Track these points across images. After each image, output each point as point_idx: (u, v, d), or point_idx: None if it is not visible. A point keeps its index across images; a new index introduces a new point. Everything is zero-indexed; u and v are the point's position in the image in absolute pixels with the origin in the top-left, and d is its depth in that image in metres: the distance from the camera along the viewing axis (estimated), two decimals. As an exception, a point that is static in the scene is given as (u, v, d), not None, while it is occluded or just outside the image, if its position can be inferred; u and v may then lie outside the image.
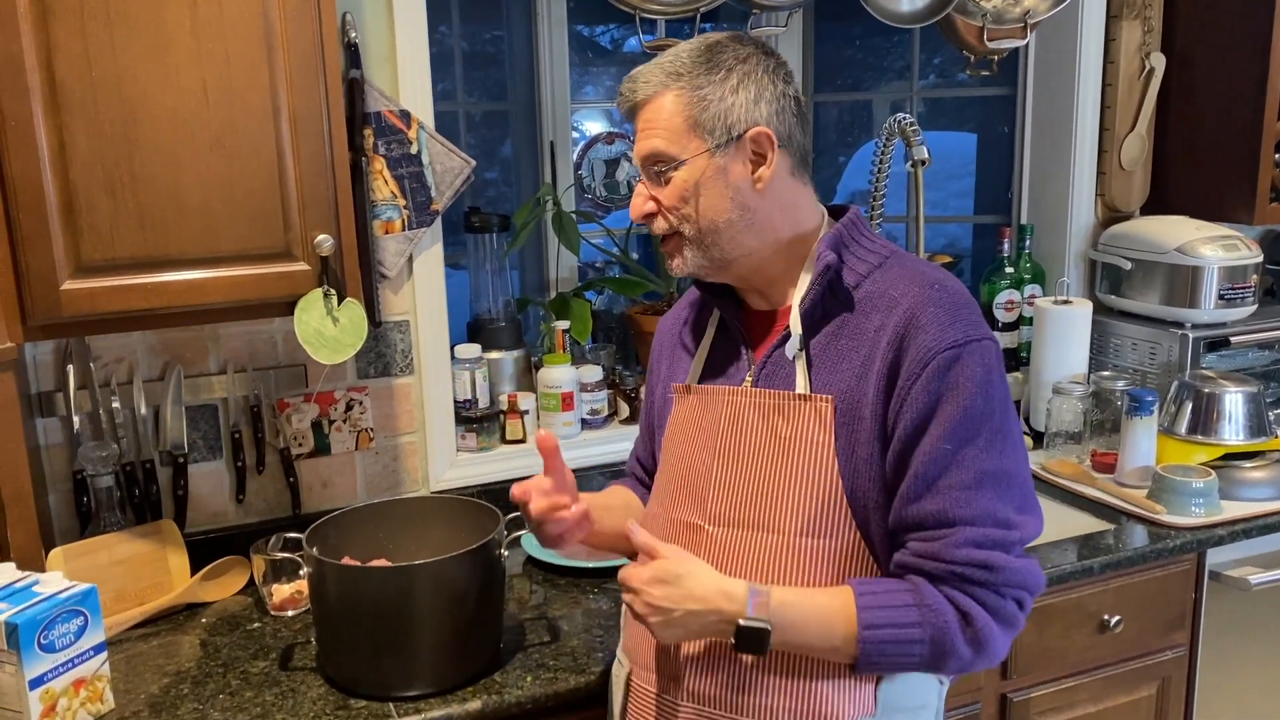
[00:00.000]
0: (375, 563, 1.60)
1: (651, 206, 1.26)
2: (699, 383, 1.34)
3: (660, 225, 1.27)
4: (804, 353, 1.24)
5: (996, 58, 2.26)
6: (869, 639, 1.14)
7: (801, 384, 1.23)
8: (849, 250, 1.26)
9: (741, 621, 1.13)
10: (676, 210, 1.24)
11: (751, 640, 1.13)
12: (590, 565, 1.81)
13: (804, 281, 1.26)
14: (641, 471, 1.55)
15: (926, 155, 1.96)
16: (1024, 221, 2.60)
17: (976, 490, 1.14)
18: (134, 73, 1.42)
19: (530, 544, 1.92)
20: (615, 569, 1.72)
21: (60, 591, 1.37)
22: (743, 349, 1.32)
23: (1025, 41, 2.19)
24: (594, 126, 3.12)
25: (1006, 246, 2.49)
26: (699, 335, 1.39)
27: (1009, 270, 2.50)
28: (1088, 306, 2.35)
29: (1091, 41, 2.41)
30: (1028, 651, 1.83)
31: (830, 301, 1.24)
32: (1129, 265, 2.39)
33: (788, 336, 1.25)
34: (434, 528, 1.61)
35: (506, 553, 1.53)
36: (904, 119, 2.01)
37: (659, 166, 1.23)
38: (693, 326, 1.41)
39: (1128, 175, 2.50)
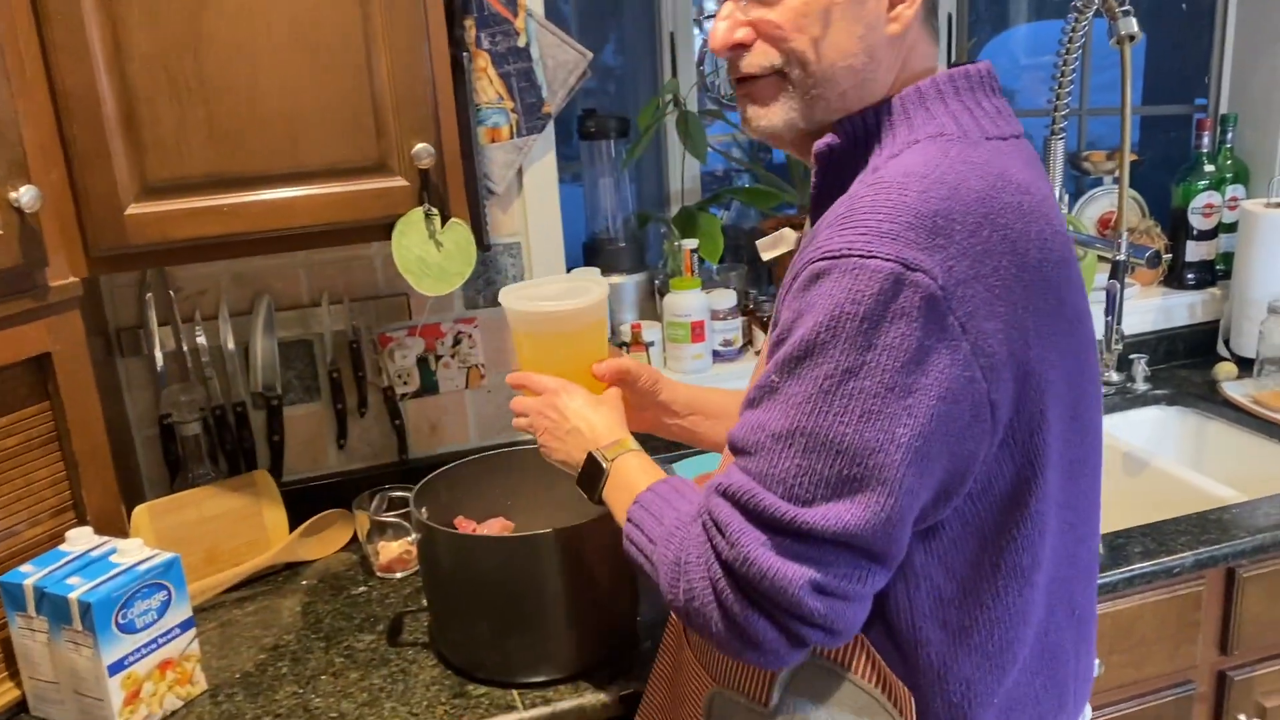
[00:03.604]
0: (492, 522, 1.40)
1: (746, 34, 0.92)
2: None
3: (757, 61, 0.92)
4: None
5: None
6: (626, 532, 0.99)
7: None
8: (889, 130, 0.91)
9: (592, 450, 1.07)
10: (786, 42, 0.90)
11: (589, 472, 1.07)
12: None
13: None
14: None
15: (1135, 29, 1.61)
16: (1225, 111, 2.22)
17: (776, 441, 0.82)
18: (195, -48, 1.19)
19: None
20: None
21: (140, 563, 1.20)
22: None
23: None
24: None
25: (1206, 141, 2.13)
26: None
27: (1208, 169, 2.13)
28: (1308, 210, 1.99)
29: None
30: (1252, 624, 1.54)
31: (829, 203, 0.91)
32: (1360, 160, 2.01)
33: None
34: (559, 481, 1.40)
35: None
36: (1104, -13, 1.66)
37: None
38: None
39: (1358, 51, 2.10)
